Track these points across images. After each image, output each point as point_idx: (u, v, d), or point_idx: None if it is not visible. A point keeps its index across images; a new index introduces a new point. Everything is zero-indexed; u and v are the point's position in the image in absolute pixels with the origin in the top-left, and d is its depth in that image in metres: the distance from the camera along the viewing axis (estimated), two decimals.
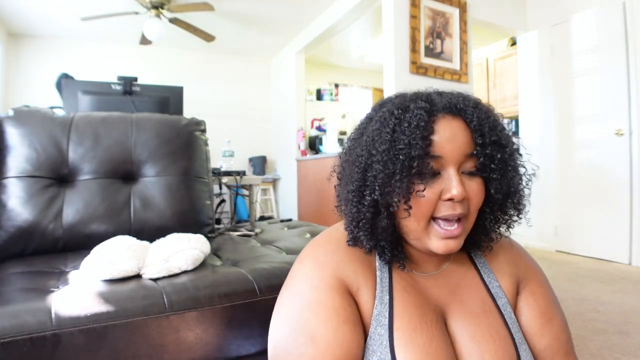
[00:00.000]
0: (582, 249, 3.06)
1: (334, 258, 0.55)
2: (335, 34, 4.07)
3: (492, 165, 0.51)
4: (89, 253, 0.89)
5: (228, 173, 2.15)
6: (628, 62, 2.79)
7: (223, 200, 2.13)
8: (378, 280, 0.55)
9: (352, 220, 0.55)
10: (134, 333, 0.70)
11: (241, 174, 2.15)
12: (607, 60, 2.91)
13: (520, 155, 0.57)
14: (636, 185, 2.75)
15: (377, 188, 0.51)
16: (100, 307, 0.69)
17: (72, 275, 0.88)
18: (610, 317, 1.75)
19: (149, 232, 1.15)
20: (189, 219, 1.25)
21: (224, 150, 2.94)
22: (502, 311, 0.56)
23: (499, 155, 0.51)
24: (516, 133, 4.13)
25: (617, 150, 2.85)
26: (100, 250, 0.90)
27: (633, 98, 2.77)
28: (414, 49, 2.80)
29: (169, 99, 1.78)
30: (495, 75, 4.38)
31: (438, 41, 2.94)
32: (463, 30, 3.02)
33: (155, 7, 3.44)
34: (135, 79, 1.72)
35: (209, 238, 1.24)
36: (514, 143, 0.55)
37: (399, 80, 2.77)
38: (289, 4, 3.75)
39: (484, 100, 0.56)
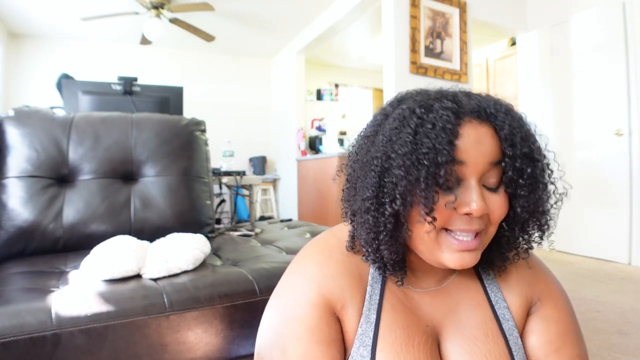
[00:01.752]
0: (582, 249, 3.07)
1: (323, 272, 0.51)
2: (336, 34, 4.07)
3: (521, 181, 0.45)
4: (89, 253, 0.90)
5: (228, 173, 2.15)
6: (628, 62, 2.79)
7: (223, 200, 2.14)
8: (367, 296, 0.51)
9: (369, 232, 0.48)
10: (134, 333, 0.70)
11: (241, 174, 2.15)
12: (607, 60, 2.91)
13: (552, 171, 0.51)
14: (636, 185, 2.75)
15: (397, 197, 0.44)
16: (100, 307, 0.69)
17: (72, 275, 0.88)
18: (610, 317, 1.75)
19: (149, 232, 1.15)
20: (189, 219, 1.25)
21: (224, 150, 2.94)
22: (507, 336, 0.50)
23: (529, 170, 0.45)
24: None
25: (616, 150, 2.85)
26: (100, 250, 0.90)
27: (633, 98, 2.77)
28: (414, 49, 2.80)
29: (169, 99, 1.78)
30: (495, 76, 4.38)
31: (438, 41, 2.94)
32: (463, 30, 3.02)
33: (156, 7, 3.44)
34: (135, 79, 1.72)
35: (209, 238, 1.24)
36: (545, 157, 0.49)
37: (399, 81, 2.77)
38: (289, 4, 3.75)
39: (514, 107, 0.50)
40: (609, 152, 2.90)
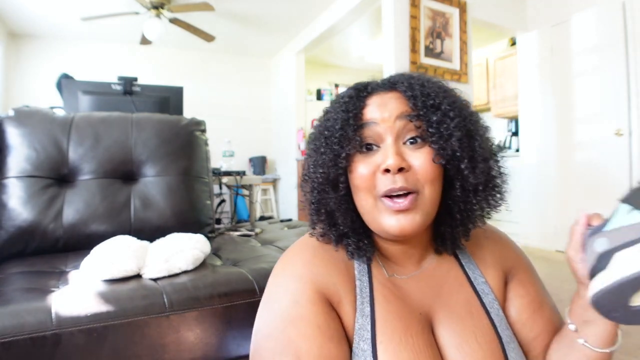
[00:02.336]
0: None
1: (312, 270, 0.52)
2: (335, 34, 4.07)
3: (430, 129, 0.48)
4: (89, 253, 0.90)
5: (228, 173, 2.15)
6: (628, 62, 2.79)
7: (223, 200, 2.14)
8: (358, 290, 0.52)
9: (310, 208, 0.55)
10: (134, 333, 0.70)
11: (241, 174, 2.15)
12: (607, 60, 2.91)
13: (483, 135, 0.53)
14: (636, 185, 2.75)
15: (311, 167, 0.52)
16: (100, 306, 0.69)
17: (73, 275, 0.88)
18: None
19: (149, 232, 1.15)
20: (189, 218, 1.25)
21: (224, 150, 2.94)
22: (489, 309, 0.53)
23: (434, 118, 0.48)
24: (515, 134, 4.13)
25: (616, 151, 2.85)
26: (100, 250, 0.90)
27: (633, 98, 2.77)
28: (413, 49, 2.80)
29: (168, 99, 1.78)
30: (495, 76, 4.38)
31: (438, 41, 2.94)
32: (463, 30, 3.02)
33: (156, 7, 3.44)
34: (135, 79, 1.72)
35: (209, 238, 1.24)
36: (465, 112, 0.52)
37: None
38: (289, 4, 3.75)
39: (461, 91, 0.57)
40: (609, 152, 2.90)
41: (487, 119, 4.69)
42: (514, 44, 4.11)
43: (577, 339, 0.51)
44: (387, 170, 0.47)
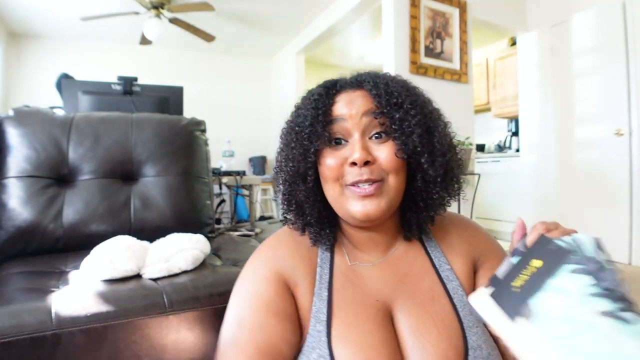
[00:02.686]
0: None
1: (275, 253, 0.58)
2: (335, 34, 4.07)
3: (394, 126, 0.52)
4: (89, 253, 0.89)
5: (228, 173, 2.15)
6: (628, 62, 2.79)
7: (223, 200, 2.14)
8: (318, 277, 0.56)
9: (281, 199, 0.59)
10: (134, 333, 0.70)
11: (241, 174, 2.15)
12: (607, 60, 2.91)
13: (443, 129, 0.57)
14: (636, 185, 2.75)
15: (283, 160, 0.56)
16: (100, 307, 0.69)
17: (72, 275, 0.88)
18: None
19: (149, 232, 1.15)
20: (189, 218, 1.25)
21: (224, 150, 2.94)
22: (452, 295, 0.54)
23: (397, 115, 0.52)
24: (515, 134, 4.13)
25: (617, 151, 2.85)
26: (100, 251, 0.90)
27: (633, 98, 2.77)
28: (413, 49, 2.80)
29: (169, 99, 1.78)
30: (496, 75, 4.38)
31: (438, 41, 2.94)
32: (463, 30, 3.02)
33: (156, 7, 3.44)
34: (135, 79, 1.72)
35: (209, 238, 1.24)
36: (426, 110, 0.56)
37: None
38: (289, 4, 3.75)
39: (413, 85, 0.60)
40: (609, 152, 2.90)
41: (487, 119, 4.68)
42: (514, 44, 4.11)
43: None
44: (354, 163, 0.51)
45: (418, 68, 2.82)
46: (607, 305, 0.32)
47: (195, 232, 1.15)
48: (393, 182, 0.52)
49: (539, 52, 3.44)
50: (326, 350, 0.49)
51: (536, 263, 0.39)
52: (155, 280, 0.84)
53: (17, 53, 4.21)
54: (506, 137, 4.40)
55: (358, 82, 0.56)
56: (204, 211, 1.30)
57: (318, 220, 0.57)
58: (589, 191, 3.06)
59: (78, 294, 0.73)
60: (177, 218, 1.22)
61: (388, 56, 2.83)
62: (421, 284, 0.55)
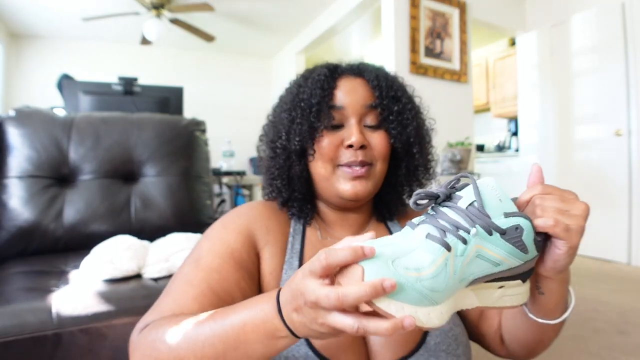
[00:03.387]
0: (581, 249, 3.01)
1: (252, 212, 0.59)
2: (336, 34, 4.07)
3: (391, 117, 0.56)
4: (89, 253, 0.90)
5: (228, 173, 2.16)
6: (627, 62, 2.79)
7: (223, 200, 2.14)
8: (289, 245, 0.57)
9: (267, 171, 0.61)
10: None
11: (241, 174, 2.15)
12: (607, 61, 2.92)
13: (422, 124, 0.62)
14: (635, 185, 2.75)
15: (283, 135, 0.57)
16: (101, 306, 0.70)
17: (73, 275, 0.88)
18: (610, 316, 1.75)
19: (150, 232, 1.16)
20: (189, 218, 1.25)
21: (224, 150, 2.95)
22: None
23: (395, 108, 0.56)
24: (515, 134, 4.13)
25: (616, 151, 2.85)
26: (100, 250, 0.90)
27: (632, 98, 2.77)
28: (413, 50, 2.80)
29: (169, 99, 1.78)
30: (495, 76, 4.38)
31: (438, 41, 2.95)
32: (463, 30, 3.03)
33: (156, 8, 3.44)
34: (136, 79, 1.73)
35: None
36: (418, 106, 0.61)
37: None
38: (289, 4, 3.75)
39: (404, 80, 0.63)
40: (609, 152, 2.90)
41: (486, 119, 4.67)
42: (513, 44, 4.11)
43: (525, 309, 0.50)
44: (350, 146, 0.54)
45: (418, 68, 2.82)
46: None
47: (196, 232, 1.15)
48: (380, 168, 0.57)
49: (539, 53, 3.44)
50: None
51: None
52: (155, 280, 0.84)
53: (18, 53, 4.22)
54: (506, 137, 4.40)
55: (360, 70, 0.59)
56: (204, 211, 1.30)
57: (303, 196, 0.59)
58: (588, 191, 3.06)
59: (79, 293, 0.73)
60: (178, 218, 1.22)
61: (388, 56, 2.83)
62: None
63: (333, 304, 0.29)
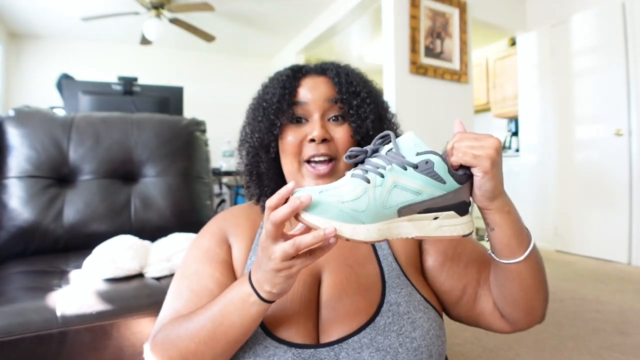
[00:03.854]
0: (582, 249, 3.07)
1: (224, 214, 0.66)
2: (335, 34, 4.07)
3: (351, 111, 0.58)
4: (89, 253, 0.90)
5: (228, 173, 2.16)
6: (627, 62, 2.79)
7: (223, 200, 2.14)
8: (257, 236, 0.61)
9: (244, 170, 0.65)
10: (138, 331, 0.70)
11: (241, 174, 2.15)
12: (607, 61, 2.92)
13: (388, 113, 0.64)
14: (635, 185, 2.76)
15: (249, 133, 0.62)
16: (105, 305, 0.70)
17: (74, 275, 0.88)
18: (610, 316, 1.75)
19: (150, 232, 1.16)
20: (189, 218, 1.25)
21: (224, 150, 2.95)
22: (381, 260, 0.58)
23: (355, 102, 0.59)
24: (515, 134, 4.14)
25: (616, 151, 2.86)
26: (102, 250, 0.90)
27: (632, 98, 2.77)
28: (413, 49, 2.80)
29: (169, 99, 1.79)
30: (495, 76, 4.38)
31: (438, 41, 2.95)
32: (463, 30, 3.03)
33: (156, 7, 3.44)
34: (136, 79, 1.73)
35: None
36: (379, 100, 0.63)
37: (399, 81, 2.78)
38: (289, 4, 3.75)
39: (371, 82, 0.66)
40: (609, 152, 2.90)
41: (486, 119, 4.68)
42: (513, 44, 4.12)
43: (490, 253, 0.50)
44: (312, 140, 0.57)
45: (418, 68, 2.82)
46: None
47: (196, 232, 1.15)
48: (344, 162, 0.58)
49: (539, 53, 3.44)
50: None
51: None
52: (157, 279, 0.84)
53: (17, 53, 4.21)
54: (506, 137, 4.41)
55: (322, 69, 0.62)
56: (204, 211, 1.30)
57: (274, 191, 0.60)
58: (588, 191, 3.06)
59: (83, 292, 0.73)
60: (178, 218, 1.22)
61: (388, 56, 2.83)
62: (355, 252, 0.59)
63: (270, 228, 0.39)
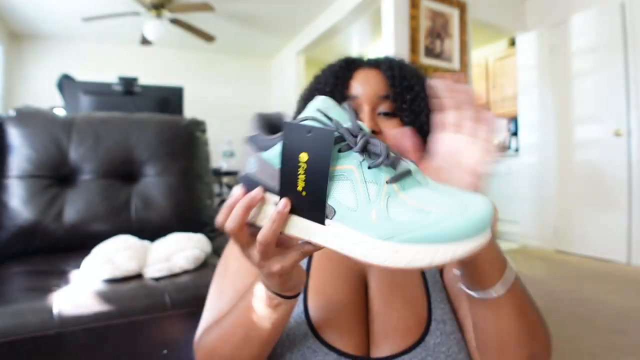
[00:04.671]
0: (581, 249, 3.07)
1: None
2: (336, 34, 4.07)
3: (404, 105, 0.57)
4: (90, 252, 0.90)
5: (228, 173, 2.16)
6: (627, 62, 2.80)
7: (223, 200, 2.14)
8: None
9: None
10: (136, 332, 0.70)
11: None
12: (606, 61, 2.92)
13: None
14: (635, 185, 2.76)
15: None
16: (102, 306, 0.70)
17: (74, 275, 0.88)
18: (609, 316, 1.75)
19: (150, 232, 1.16)
20: (189, 218, 1.25)
21: (224, 150, 2.95)
22: (425, 271, 0.56)
23: (408, 96, 0.57)
24: (515, 134, 4.14)
25: (615, 151, 2.86)
26: (101, 250, 0.90)
27: (632, 98, 2.77)
28: (413, 50, 2.80)
29: (169, 99, 1.79)
30: (495, 76, 4.39)
31: (438, 42, 2.95)
32: (463, 30, 3.03)
33: (156, 8, 3.44)
34: (136, 80, 1.73)
35: (209, 238, 1.25)
36: (432, 97, 0.61)
37: None
38: (289, 4, 3.75)
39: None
40: (608, 152, 2.91)
41: None
42: (513, 44, 4.12)
43: (461, 285, 0.44)
44: None
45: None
46: (387, 172, 0.32)
47: (196, 232, 1.15)
48: None
49: (538, 53, 3.44)
50: (301, 297, 0.53)
51: (303, 157, 0.33)
52: (156, 279, 0.84)
53: (18, 53, 4.22)
54: (506, 137, 4.41)
55: (376, 62, 0.61)
56: (205, 211, 1.30)
57: None
58: (587, 191, 3.06)
59: (80, 293, 0.74)
60: (178, 218, 1.22)
61: None
62: None
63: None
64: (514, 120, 4.23)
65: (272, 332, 0.44)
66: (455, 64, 3.01)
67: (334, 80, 0.58)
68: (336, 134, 0.33)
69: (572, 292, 2.07)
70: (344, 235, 0.32)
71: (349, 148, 0.33)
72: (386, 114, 0.57)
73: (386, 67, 0.59)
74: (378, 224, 0.30)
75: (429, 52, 2.90)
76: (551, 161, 3.34)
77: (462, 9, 3.03)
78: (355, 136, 0.33)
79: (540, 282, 2.32)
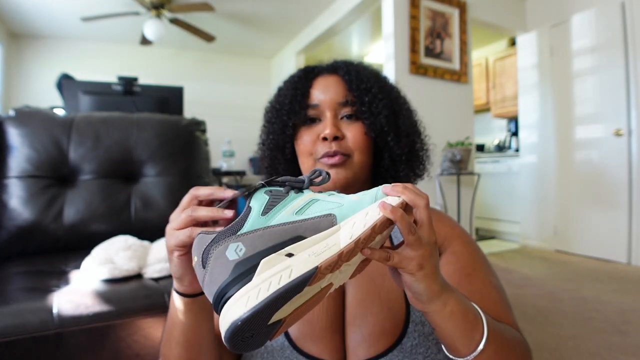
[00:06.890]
0: (581, 249, 3.07)
1: None
2: (336, 34, 4.07)
3: (363, 108, 0.58)
4: (89, 253, 0.90)
5: (228, 173, 2.16)
6: (627, 62, 2.79)
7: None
8: None
9: (265, 174, 0.67)
10: (136, 332, 0.70)
11: (241, 174, 2.16)
12: (606, 61, 2.92)
13: (414, 118, 0.64)
14: (635, 185, 2.76)
15: (265, 135, 0.65)
16: (102, 306, 0.70)
17: (74, 275, 0.88)
18: (609, 316, 1.75)
19: (150, 232, 1.16)
20: None
21: (224, 150, 2.95)
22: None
23: (366, 99, 0.58)
24: (515, 134, 4.14)
25: (616, 151, 2.86)
26: (101, 250, 0.90)
27: (632, 98, 2.77)
28: (413, 50, 2.80)
29: (169, 99, 1.79)
30: (495, 76, 4.38)
31: (438, 41, 2.95)
32: (463, 30, 3.03)
33: (156, 8, 3.44)
34: (136, 79, 1.73)
35: None
36: (392, 95, 0.62)
37: (399, 81, 2.75)
38: (289, 5, 3.75)
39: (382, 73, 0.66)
40: (609, 152, 2.90)
41: (486, 119, 4.66)
42: (513, 44, 4.12)
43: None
44: (325, 138, 0.57)
45: (418, 68, 2.82)
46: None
47: None
48: (358, 159, 0.58)
49: (539, 53, 3.44)
50: None
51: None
52: (156, 280, 0.84)
53: (18, 53, 4.21)
54: (506, 137, 4.41)
55: (334, 68, 0.62)
56: None
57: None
58: (588, 191, 3.06)
59: (80, 293, 0.73)
60: None
61: (388, 56, 2.84)
62: (376, 262, 0.57)
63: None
64: (514, 120, 4.23)
65: (190, 332, 0.46)
66: (455, 64, 3.01)
67: (294, 91, 0.60)
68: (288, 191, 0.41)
69: (572, 292, 2.07)
70: (346, 227, 0.37)
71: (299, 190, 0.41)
72: (348, 117, 0.59)
73: (344, 72, 0.60)
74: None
75: (429, 52, 2.90)
76: (551, 161, 3.34)
77: (462, 9, 3.03)
78: (303, 182, 0.41)
79: (540, 282, 2.32)
